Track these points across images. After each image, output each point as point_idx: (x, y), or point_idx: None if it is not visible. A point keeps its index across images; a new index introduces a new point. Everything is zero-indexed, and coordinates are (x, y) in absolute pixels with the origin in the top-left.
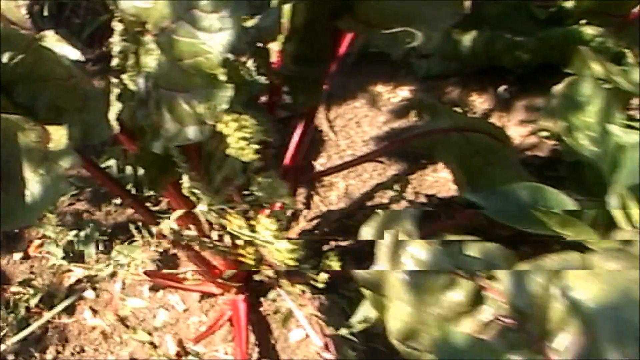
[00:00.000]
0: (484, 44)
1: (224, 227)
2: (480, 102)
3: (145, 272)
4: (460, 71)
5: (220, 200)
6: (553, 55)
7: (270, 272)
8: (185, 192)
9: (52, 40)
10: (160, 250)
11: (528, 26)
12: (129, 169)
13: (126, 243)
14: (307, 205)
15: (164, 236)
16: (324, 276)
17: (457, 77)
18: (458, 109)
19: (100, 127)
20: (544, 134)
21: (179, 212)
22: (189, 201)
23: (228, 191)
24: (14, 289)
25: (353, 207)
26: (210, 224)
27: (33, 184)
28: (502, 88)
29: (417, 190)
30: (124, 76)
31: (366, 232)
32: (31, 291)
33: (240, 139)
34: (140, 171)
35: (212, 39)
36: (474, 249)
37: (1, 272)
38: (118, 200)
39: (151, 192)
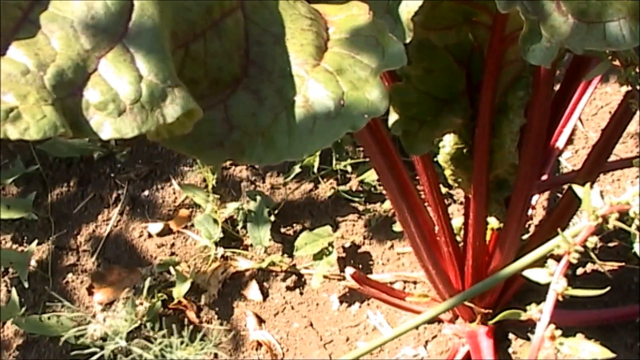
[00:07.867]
0: None
1: None
2: None
3: (355, 276)
4: None
5: None
6: None
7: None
8: None
9: None
10: (347, 244)
11: None
12: None
13: (308, 230)
14: (549, 212)
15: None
16: None
17: None
18: None
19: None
20: None
21: None
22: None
23: None
24: (145, 270)
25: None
26: None
27: (311, 87)
28: None
29: None
30: None
31: None
32: (172, 279)
33: None
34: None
35: None
36: None
37: (132, 248)
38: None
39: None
